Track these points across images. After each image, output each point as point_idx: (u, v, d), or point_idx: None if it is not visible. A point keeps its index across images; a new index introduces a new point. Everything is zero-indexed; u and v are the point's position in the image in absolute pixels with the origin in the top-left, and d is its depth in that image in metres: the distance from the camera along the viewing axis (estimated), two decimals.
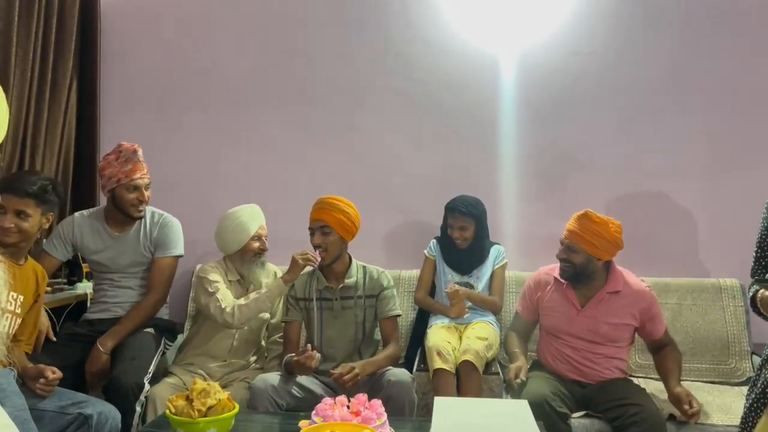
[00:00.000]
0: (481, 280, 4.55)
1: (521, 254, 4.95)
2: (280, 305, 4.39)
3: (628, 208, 4.87)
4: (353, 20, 5.01)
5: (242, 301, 4.11)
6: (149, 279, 4.34)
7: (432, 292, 4.70)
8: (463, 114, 4.97)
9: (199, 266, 4.71)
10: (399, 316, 4.18)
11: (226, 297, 4.13)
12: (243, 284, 4.33)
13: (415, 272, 4.89)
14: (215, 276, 4.22)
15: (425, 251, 4.71)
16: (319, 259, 4.04)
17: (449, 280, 4.57)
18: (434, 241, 4.71)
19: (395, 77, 4.99)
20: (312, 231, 4.08)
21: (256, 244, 4.29)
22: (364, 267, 4.21)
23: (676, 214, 4.86)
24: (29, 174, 3.67)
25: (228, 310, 4.07)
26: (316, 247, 4.06)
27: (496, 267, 4.57)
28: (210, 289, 4.15)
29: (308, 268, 4.19)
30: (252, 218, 4.30)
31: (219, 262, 4.34)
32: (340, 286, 4.13)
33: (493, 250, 4.60)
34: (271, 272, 4.44)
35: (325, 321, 4.12)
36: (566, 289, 4.03)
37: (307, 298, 4.15)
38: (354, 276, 4.15)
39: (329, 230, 4.05)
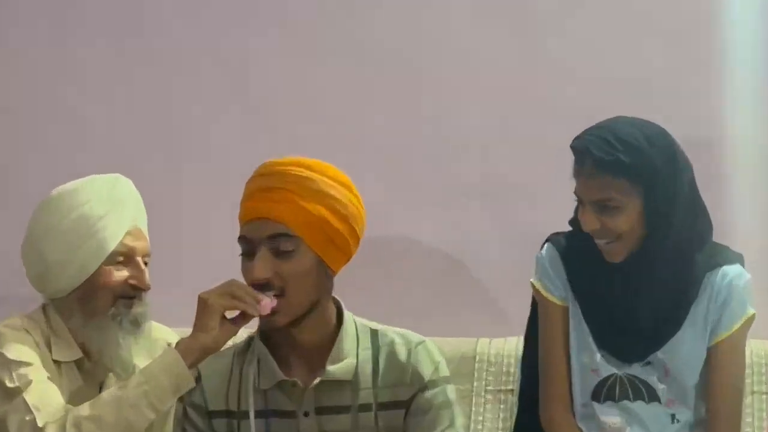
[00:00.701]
0: (676, 370, 2.02)
1: None
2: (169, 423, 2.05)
3: None
4: None
5: (86, 409, 1.84)
6: None
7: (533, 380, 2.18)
8: None
9: None
10: None
11: (47, 400, 1.88)
12: (89, 371, 2.09)
13: (499, 344, 2.57)
14: (21, 350, 1.96)
15: (534, 280, 2.16)
16: (267, 311, 1.80)
17: (600, 375, 2.07)
18: (550, 247, 2.15)
19: None
20: (247, 247, 1.83)
21: (122, 275, 2.04)
22: (372, 332, 1.95)
23: None
24: None
25: (51, 429, 1.83)
26: (258, 286, 1.81)
27: (724, 331, 2.00)
28: (9, 384, 1.89)
29: (243, 331, 1.91)
30: (115, 207, 2.06)
31: (30, 318, 2.07)
32: (316, 381, 1.85)
33: (718, 277, 2.00)
34: (159, 345, 2.16)
35: None
36: None
37: (232, 413, 1.90)
38: (349, 356, 1.89)
39: (292, 244, 1.80)
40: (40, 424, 1.83)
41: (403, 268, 2.83)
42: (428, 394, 1.90)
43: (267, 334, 1.92)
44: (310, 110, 2.87)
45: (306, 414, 1.87)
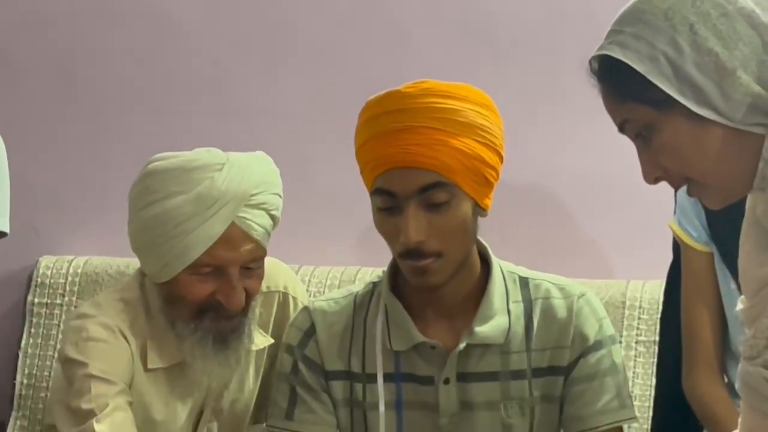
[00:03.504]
0: None
1: None
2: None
3: None
4: None
5: None
6: None
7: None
8: None
9: (73, 313, 1.96)
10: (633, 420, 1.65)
11: None
12: (182, 383, 1.72)
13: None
14: (109, 365, 1.63)
15: (672, 222, 1.84)
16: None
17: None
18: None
19: None
20: (390, 201, 1.51)
21: (207, 287, 1.63)
22: (522, 280, 1.64)
23: None
24: None
25: None
26: (407, 254, 1.51)
27: None
28: (84, 405, 1.59)
29: (365, 283, 1.70)
30: (212, 205, 1.59)
31: (127, 304, 1.72)
32: (462, 345, 1.56)
33: None
34: (260, 359, 1.80)
35: None
36: None
37: (355, 375, 1.64)
38: (499, 313, 1.58)
39: (447, 193, 1.49)
40: None
41: (540, 201, 2.47)
42: (592, 357, 1.58)
43: (397, 282, 1.62)
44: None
45: (447, 381, 1.58)
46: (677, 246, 1.86)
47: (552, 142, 2.44)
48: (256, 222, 1.61)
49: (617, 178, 2.32)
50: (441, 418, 1.58)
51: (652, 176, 1.25)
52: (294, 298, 1.83)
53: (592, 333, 1.58)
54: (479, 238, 1.61)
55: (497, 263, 1.62)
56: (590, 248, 2.44)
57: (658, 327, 2.14)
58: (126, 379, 1.65)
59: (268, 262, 1.72)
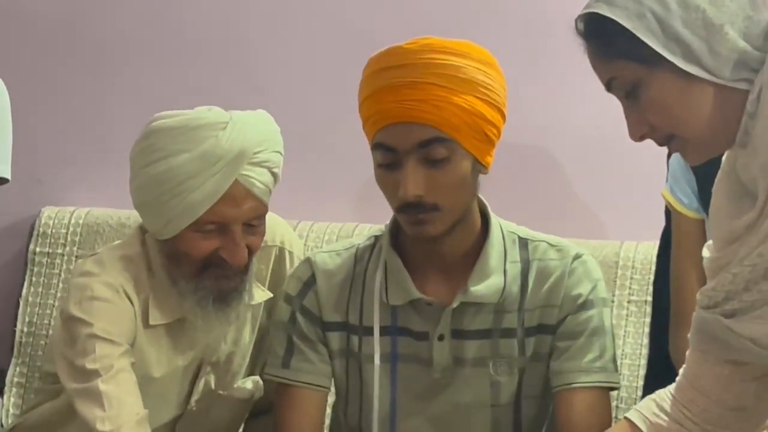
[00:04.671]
0: None
1: None
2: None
3: None
4: None
5: None
6: None
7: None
8: None
9: (76, 269, 1.82)
10: (614, 389, 1.63)
11: (121, 398, 1.60)
12: (183, 338, 1.75)
13: None
14: (113, 325, 1.65)
15: (665, 190, 1.84)
16: None
17: None
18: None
19: None
20: (389, 157, 1.52)
21: (211, 244, 1.64)
22: (521, 241, 1.64)
23: None
24: None
25: None
26: (405, 207, 1.52)
27: None
28: (89, 365, 1.61)
29: (363, 227, 1.82)
30: (216, 162, 1.60)
31: (130, 262, 1.73)
32: (456, 303, 1.58)
33: None
34: (257, 312, 1.82)
35: (403, 400, 1.64)
36: None
37: (352, 327, 1.66)
38: (495, 272, 1.59)
39: (446, 149, 1.49)
40: (101, 428, 1.57)
41: (537, 161, 2.47)
42: (581, 316, 1.58)
43: (398, 238, 1.63)
44: None
45: (441, 337, 1.59)
46: (669, 213, 1.86)
47: (548, 103, 2.42)
48: (259, 179, 1.62)
49: (613, 141, 2.27)
50: (434, 372, 1.60)
51: (638, 133, 1.26)
52: (290, 253, 1.84)
53: (583, 293, 1.58)
54: (480, 196, 1.61)
55: (498, 223, 1.62)
56: (586, 209, 2.44)
57: (650, 288, 2.16)
58: (129, 340, 1.66)
59: (266, 216, 1.73)
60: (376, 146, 1.53)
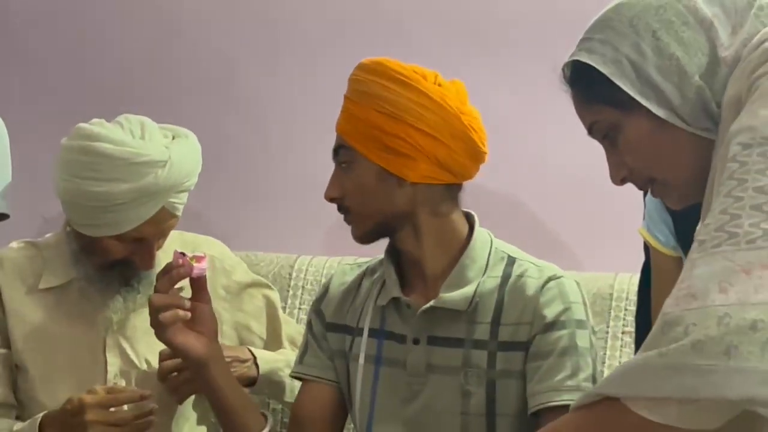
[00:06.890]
0: None
1: None
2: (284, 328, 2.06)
3: None
4: None
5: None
6: None
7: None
8: None
9: None
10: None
11: None
12: (81, 305, 1.85)
13: None
14: None
15: (642, 227, 1.85)
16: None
17: None
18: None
19: None
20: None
21: (127, 248, 1.80)
22: (509, 260, 1.69)
23: None
24: None
25: None
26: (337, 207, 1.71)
27: None
28: None
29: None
30: (143, 195, 1.73)
31: (34, 245, 1.93)
32: (427, 305, 1.65)
33: None
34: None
35: (382, 403, 1.70)
36: None
37: (349, 329, 1.77)
38: (470, 283, 1.65)
39: (348, 155, 1.66)
40: None
41: (530, 195, 2.51)
42: (549, 336, 1.60)
43: (397, 250, 1.73)
44: None
45: (416, 341, 1.67)
46: (648, 248, 1.88)
47: (542, 138, 2.47)
48: (181, 203, 1.81)
49: (607, 174, 2.34)
50: (408, 376, 1.66)
51: (618, 177, 1.32)
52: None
53: (553, 312, 1.61)
54: (470, 211, 1.72)
55: (487, 239, 1.70)
56: (581, 241, 2.48)
57: None
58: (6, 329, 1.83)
59: (212, 243, 1.99)
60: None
